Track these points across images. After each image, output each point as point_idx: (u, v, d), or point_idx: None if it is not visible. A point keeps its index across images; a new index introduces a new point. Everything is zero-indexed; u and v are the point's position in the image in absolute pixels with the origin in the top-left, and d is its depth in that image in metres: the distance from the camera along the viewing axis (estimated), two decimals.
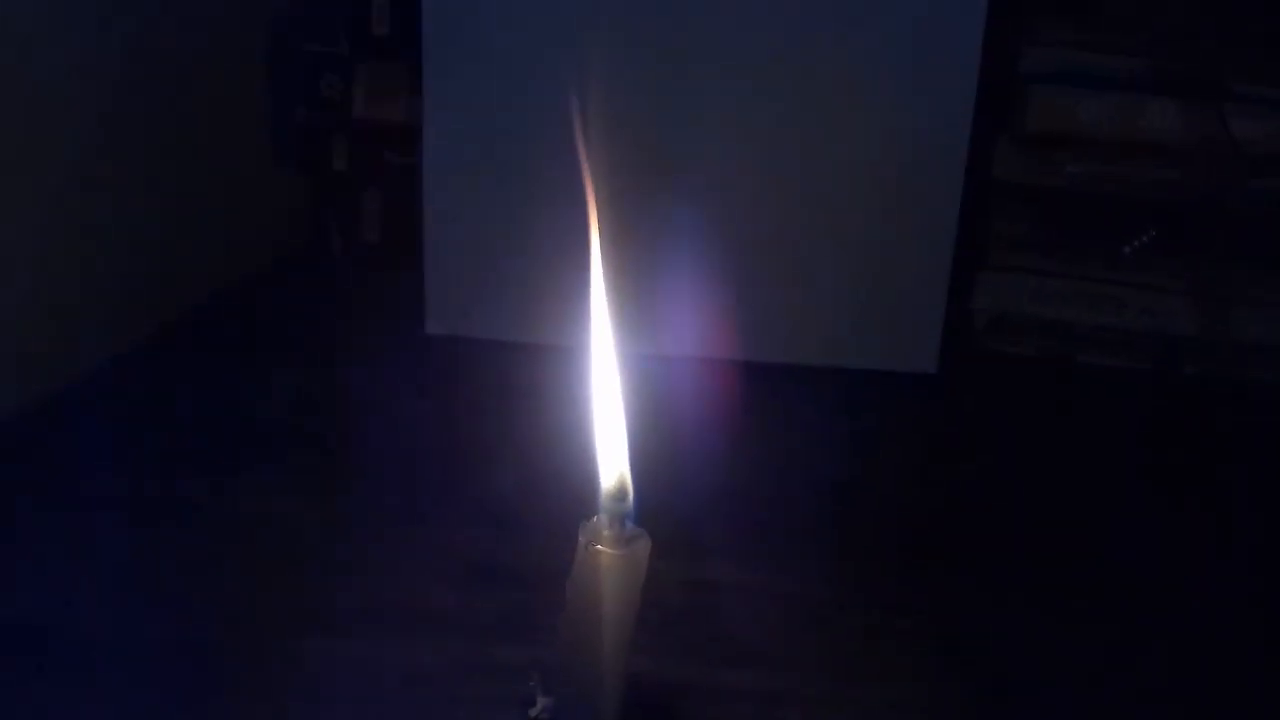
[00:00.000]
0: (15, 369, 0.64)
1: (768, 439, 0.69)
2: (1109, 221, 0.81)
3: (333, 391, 0.72)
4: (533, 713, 0.40)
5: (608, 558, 0.36)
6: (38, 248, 0.65)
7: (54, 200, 0.66)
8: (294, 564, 0.53)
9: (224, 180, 0.84)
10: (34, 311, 0.65)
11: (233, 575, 0.51)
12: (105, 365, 0.71)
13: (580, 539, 0.37)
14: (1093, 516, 0.62)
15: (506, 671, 0.44)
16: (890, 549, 0.57)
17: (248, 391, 0.71)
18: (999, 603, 0.53)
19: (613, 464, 0.36)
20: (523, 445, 0.65)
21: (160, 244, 0.76)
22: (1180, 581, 0.55)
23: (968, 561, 0.57)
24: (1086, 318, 0.83)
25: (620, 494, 0.36)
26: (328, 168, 0.92)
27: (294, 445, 0.64)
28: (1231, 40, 0.79)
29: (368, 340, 0.81)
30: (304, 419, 0.68)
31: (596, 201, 0.37)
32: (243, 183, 0.88)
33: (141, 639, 0.46)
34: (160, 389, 0.70)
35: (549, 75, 0.76)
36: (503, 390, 0.73)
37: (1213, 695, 0.47)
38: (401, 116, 0.88)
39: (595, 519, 0.37)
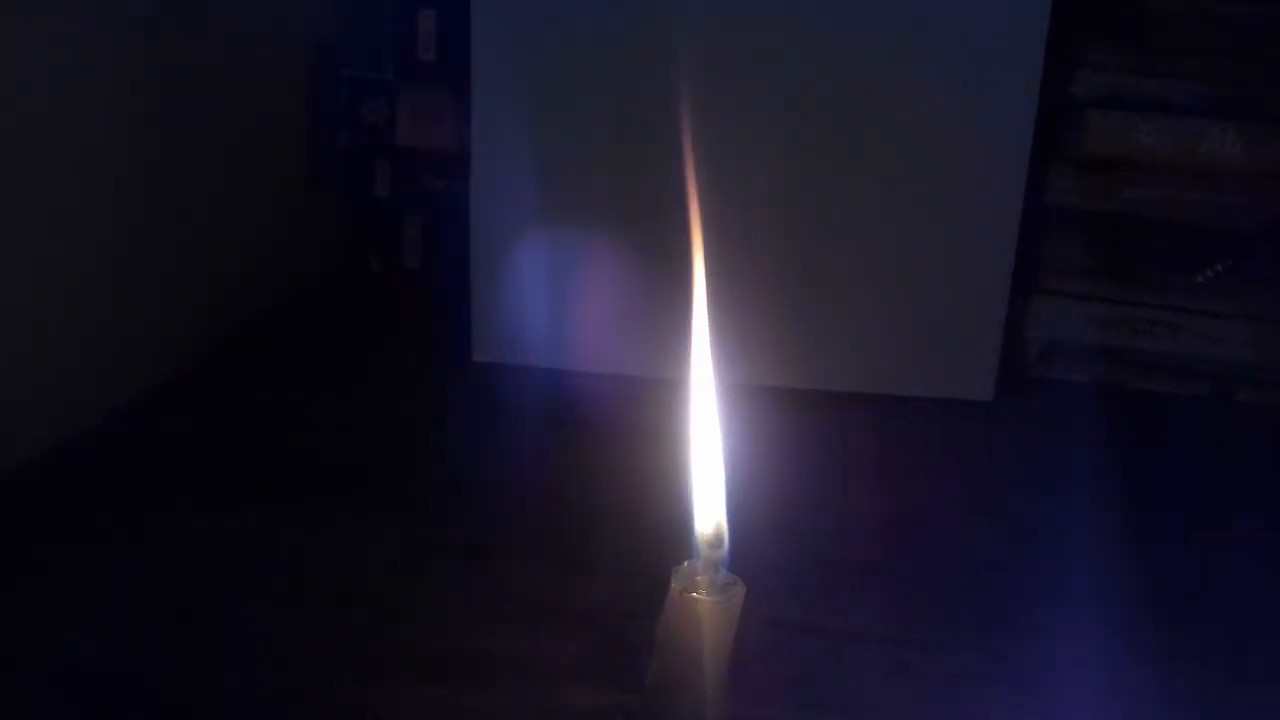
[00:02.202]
0: (54, 402, 0.63)
1: (823, 470, 0.68)
2: (1165, 247, 0.80)
3: (379, 421, 0.71)
4: None
5: (704, 605, 0.35)
6: (70, 276, 0.64)
7: (88, 228, 0.65)
8: (347, 603, 0.51)
9: (260, 205, 0.83)
10: (70, 343, 0.64)
11: (285, 616, 0.50)
12: (141, 397, 0.69)
13: (673, 584, 0.36)
14: (1161, 545, 0.61)
15: (584, 715, 0.43)
16: (959, 586, 0.56)
17: (292, 421, 0.70)
18: (1076, 639, 0.52)
19: (710, 508, 0.35)
20: (580, 478, 0.64)
21: (190, 269, 0.75)
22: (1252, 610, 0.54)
23: (1039, 598, 0.55)
24: (1141, 344, 0.81)
25: (717, 540, 0.35)
26: (369, 192, 0.92)
27: (342, 478, 0.63)
28: None
29: (412, 368, 0.80)
30: (351, 450, 0.66)
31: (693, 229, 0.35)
32: (280, 207, 0.87)
33: (197, 680, 0.45)
34: (200, 420, 0.69)
35: (598, 101, 0.75)
36: (554, 420, 0.72)
37: None
38: (446, 143, 0.88)
39: (688, 564, 0.36)
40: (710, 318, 0.36)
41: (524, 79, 0.75)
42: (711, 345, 0.35)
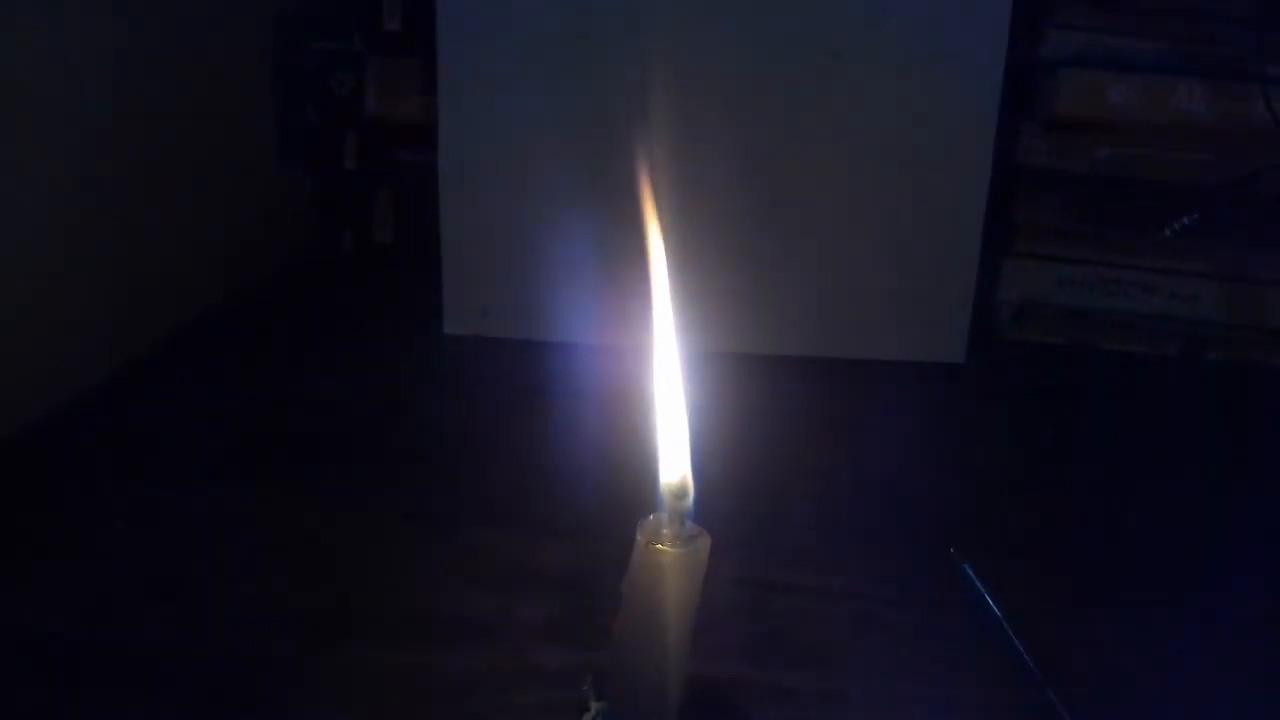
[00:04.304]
0: (27, 379, 0.62)
1: (792, 433, 0.68)
2: (1136, 206, 0.80)
3: (353, 394, 0.71)
4: (587, 718, 0.38)
5: (669, 557, 0.35)
6: (39, 255, 0.63)
7: (54, 206, 0.64)
8: (328, 571, 0.51)
9: (227, 181, 0.82)
10: (41, 321, 0.63)
11: (257, 585, 0.50)
12: (116, 375, 0.69)
13: (639, 538, 0.36)
14: (1131, 504, 0.61)
15: (555, 677, 0.43)
16: (933, 544, 0.56)
17: (267, 396, 0.69)
18: (1048, 596, 0.52)
19: (674, 461, 0.35)
20: (548, 445, 0.64)
21: (163, 248, 0.74)
22: (1228, 565, 0.54)
23: (1012, 554, 0.56)
24: (1113, 304, 0.82)
25: (682, 491, 0.35)
26: (338, 167, 0.91)
27: (319, 450, 0.63)
28: (1259, 20, 0.78)
29: (385, 342, 0.80)
30: (327, 423, 0.66)
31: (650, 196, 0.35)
32: (248, 184, 0.86)
33: (179, 650, 0.45)
34: (176, 396, 0.69)
35: (567, 71, 0.74)
36: (525, 390, 0.72)
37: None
38: (415, 114, 0.87)
39: (654, 517, 0.36)
40: (675, 284, 0.36)
41: (491, 47, 0.74)
42: (674, 311, 0.35)
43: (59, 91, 0.64)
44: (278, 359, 0.76)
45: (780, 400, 0.72)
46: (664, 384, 0.35)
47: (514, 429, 0.67)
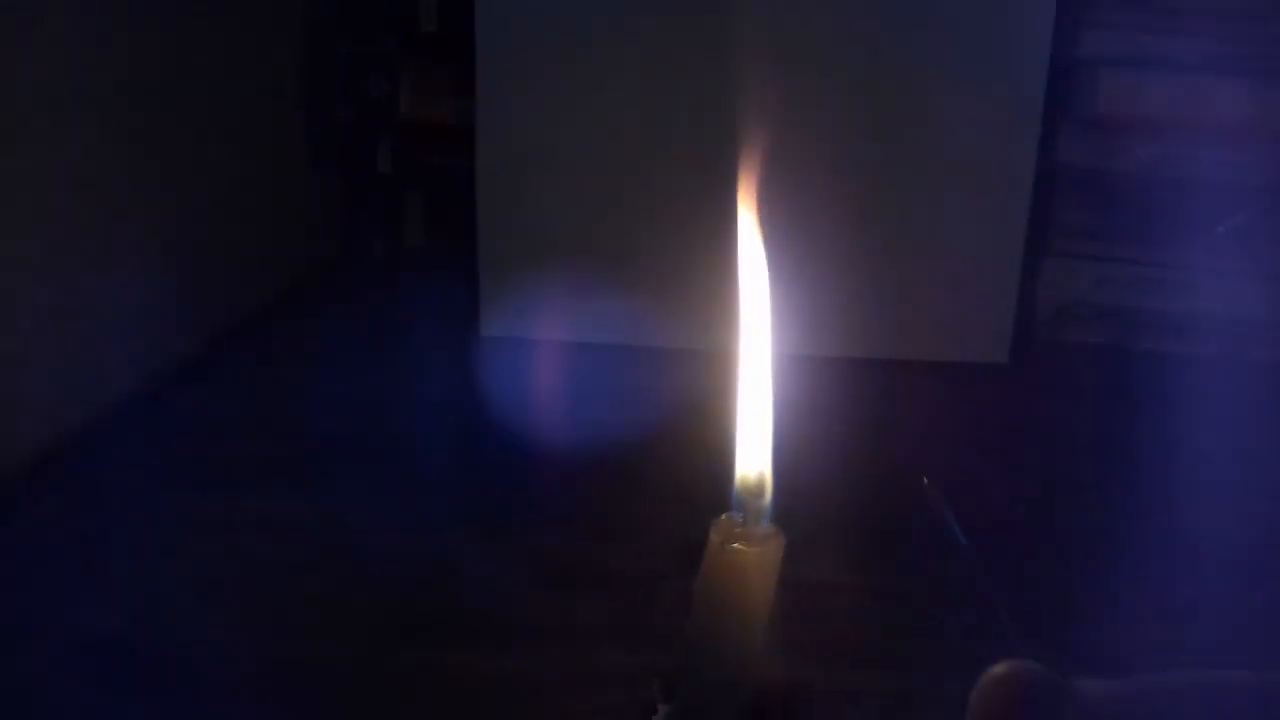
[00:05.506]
0: (71, 383, 0.62)
1: (835, 433, 0.68)
2: (1176, 206, 0.79)
3: (394, 396, 0.70)
4: None
5: (747, 557, 0.35)
6: (71, 262, 0.63)
7: (86, 211, 0.64)
8: (372, 575, 0.51)
9: (258, 185, 0.82)
10: (78, 326, 0.63)
11: (310, 589, 0.49)
12: (153, 382, 0.68)
13: (712, 537, 0.35)
14: (1186, 504, 0.61)
15: (618, 679, 0.43)
16: (982, 545, 0.55)
17: (304, 402, 0.69)
18: (1110, 599, 0.51)
19: (752, 458, 0.34)
20: (596, 447, 0.63)
21: (194, 258, 0.74)
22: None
23: (1065, 555, 0.55)
24: (1153, 304, 0.81)
25: (759, 489, 0.34)
26: (370, 170, 0.91)
27: (365, 452, 0.63)
28: None
29: (422, 345, 0.79)
30: (372, 425, 0.66)
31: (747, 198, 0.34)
32: (278, 187, 0.86)
33: (235, 655, 0.44)
34: (212, 403, 0.69)
35: (606, 70, 0.74)
36: (568, 391, 0.71)
37: None
38: (449, 116, 0.87)
39: (726, 516, 0.35)
40: (766, 283, 0.35)
41: (531, 47, 0.74)
42: (768, 309, 0.35)
43: (83, 100, 0.63)
44: (316, 362, 0.75)
45: (824, 400, 0.71)
46: (749, 381, 0.34)
47: (557, 430, 0.66)
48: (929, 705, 0.42)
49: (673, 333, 0.77)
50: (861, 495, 0.60)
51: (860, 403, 0.72)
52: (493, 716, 0.42)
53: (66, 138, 0.62)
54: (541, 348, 0.77)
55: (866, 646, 0.46)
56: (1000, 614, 0.40)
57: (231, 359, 0.74)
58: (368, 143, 0.89)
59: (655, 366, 0.75)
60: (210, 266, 0.76)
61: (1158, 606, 0.50)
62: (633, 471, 0.59)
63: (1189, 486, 0.63)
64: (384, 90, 0.87)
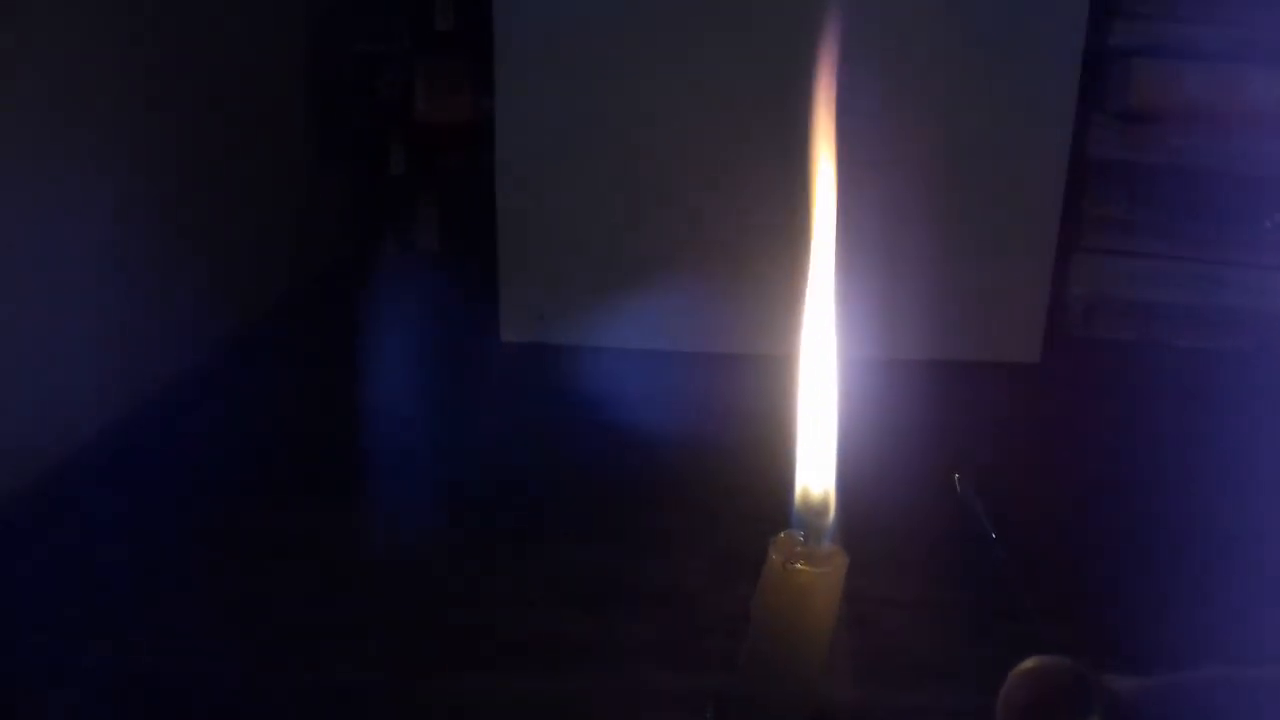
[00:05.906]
0: (86, 393, 0.61)
1: (866, 437, 0.66)
2: (1210, 198, 0.78)
3: (416, 406, 0.69)
4: None
5: (809, 577, 0.33)
6: (86, 267, 0.62)
7: (98, 217, 0.63)
8: (405, 594, 0.49)
9: (270, 192, 0.80)
10: (93, 334, 0.61)
11: (344, 610, 0.48)
12: (161, 392, 0.67)
13: (772, 555, 0.34)
14: (1215, 497, 0.59)
15: (668, 699, 0.41)
16: (1016, 542, 0.54)
17: (322, 412, 0.68)
18: (1163, 601, 0.50)
19: (815, 475, 0.33)
20: (621, 457, 0.62)
21: (207, 263, 0.72)
22: None
23: (1113, 557, 0.54)
24: (1186, 298, 0.79)
25: (823, 507, 0.33)
26: (384, 171, 0.89)
27: (389, 465, 0.61)
28: None
29: (440, 350, 0.78)
30: (395, 437, 0.64)
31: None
32: (289, 189, 0.84)
33: (260, 681, 0.43)
34: (232, 410, 0.67)
35: (627, 68, 0.72)
36: (593, 398, 0.70)
37: None
38: (464, 115, 0.85)
39: (786, 534, 0.34)
40: (832, 288, 0.34)
41: (551, 44, 0.72)
42: (833, 314, 0.33)
43: (90, 100, 0.62)
44: (334, 369, 0.74)
45: (858, 404, 0.69)
46: (813, 392, 0.33)
47: (582, 440, 0.65)
48: None
49: (700, 336, 0.75)
50: (900, 504, 0.59)
51: (898, 406, 0.71)
52: None
53: (75, 139, 0.60)
54: (562, 353, 0.76)
55: (923, 662, 0.44)
56: (1029, 608, 0.39)
57: (242, 365, 0.73)
58: (379, 143, 0.88)
59: (679, 371, 0.74)
60: (220, 271, 0.74)
61: (1198, 603, 0.49)
62: (659, 482, 0.57)
63: (1225, 481, 0.61)
64: (398, 90, 0.85)
